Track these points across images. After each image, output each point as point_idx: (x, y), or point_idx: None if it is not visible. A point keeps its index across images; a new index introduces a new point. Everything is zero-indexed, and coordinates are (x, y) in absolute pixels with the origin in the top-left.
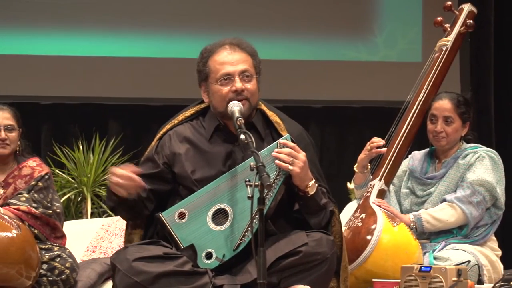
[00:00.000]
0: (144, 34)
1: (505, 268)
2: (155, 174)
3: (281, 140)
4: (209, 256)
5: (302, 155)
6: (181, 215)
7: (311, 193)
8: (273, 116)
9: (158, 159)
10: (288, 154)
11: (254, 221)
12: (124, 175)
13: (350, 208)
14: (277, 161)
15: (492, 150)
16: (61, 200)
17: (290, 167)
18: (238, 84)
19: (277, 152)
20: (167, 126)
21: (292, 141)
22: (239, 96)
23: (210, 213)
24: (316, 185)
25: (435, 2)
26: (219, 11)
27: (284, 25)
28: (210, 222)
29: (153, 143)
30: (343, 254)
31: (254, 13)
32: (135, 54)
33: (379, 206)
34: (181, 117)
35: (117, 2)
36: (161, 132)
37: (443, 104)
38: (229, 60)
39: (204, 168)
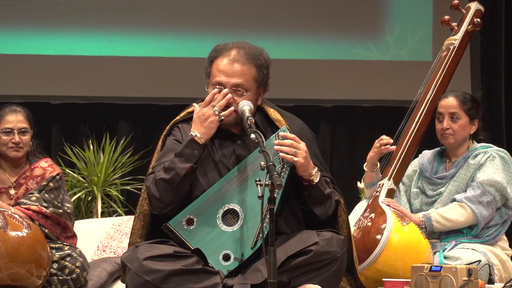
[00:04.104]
0: (155, 34)
1: None
2: None
3: (280, 132)
4: (226, 257)
5: (303, 145)
6: (189, 221)
7: (316, 180)
8: (275, 114)
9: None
10: (290, 146)
11: (266, 220)
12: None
13: (359, 208)
14: (281, 154)
15: (503, 149)
16: (72, 200)
17: (295, 158)
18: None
19: (280, 145)
20: (172, 122)
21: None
22: (226, 106)
23: (219, 215)
24: (319, 172)
25: (445, 2)
26: (229, 11)
27: (295, 25)
28: (220, 224)
29: (160, 142)
30: (352, 245)
31: (264, 12)
32: (145, 53)
33: (389, 205)
34: (183, 113)
35: (127, 1)
36: (167, 128)
37: (449, 102)
38: (227, 70)
39: (209, 168)
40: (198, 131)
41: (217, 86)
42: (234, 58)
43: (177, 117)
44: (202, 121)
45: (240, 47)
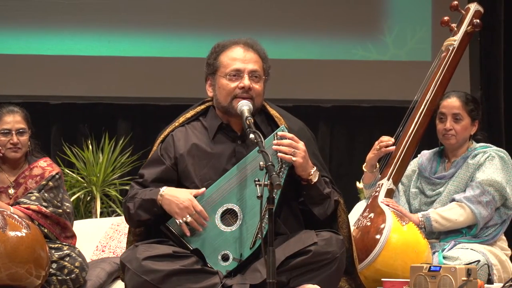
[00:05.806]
0: (154, 34)
1: None
2: (163, 174)
3: (279, 132)
4: (225, 258)
5: (301, 144)
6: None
7: (314, 180)
8: (273, 111)
9: (165, 160)
10: (288, 145)
11: (265, 220)
12: (202, 213)
13: (359, 208)
14: (279, 154)
15: (502, 149)
16: (71, 200)
17: (294, 158)
18: (246, 81)
19: (278, 144)
20: (168, 129)
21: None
22: (245, 93)
23: (218, 215)
24: (318, 172)
25: (444, 2)
26: (229, 11)
27: (294, 25)
28: (219, 224)
29: (154, 147)
30: (352, 245)
31: (263, 12)
32: (144, 53)
33: (388, 205)
34: (181, 119)
35: (126, 1)
36: (163, 135)
37: (452, 102)
38: (242, 57)
39: (208, 168)
40: (166, 202)
41: (234, 73)
42: (245, 47)
43: (176, 123)
44: (177, 205)
45: (246, 40)
